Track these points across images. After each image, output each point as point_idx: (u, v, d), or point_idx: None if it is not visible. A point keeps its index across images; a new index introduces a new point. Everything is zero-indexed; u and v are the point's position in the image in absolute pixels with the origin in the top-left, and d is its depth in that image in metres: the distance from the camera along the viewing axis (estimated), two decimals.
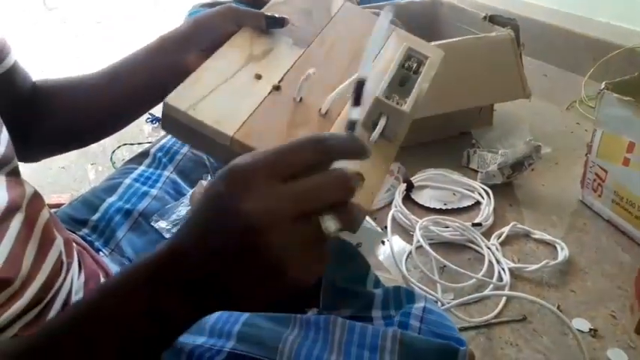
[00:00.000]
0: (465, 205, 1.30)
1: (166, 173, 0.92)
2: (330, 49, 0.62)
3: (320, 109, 0.53)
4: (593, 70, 1.90)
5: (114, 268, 0.83)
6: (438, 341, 0.49)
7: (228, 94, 0.49)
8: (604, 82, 1.17)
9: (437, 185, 1.36)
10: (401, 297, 0.58)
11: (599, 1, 2.10)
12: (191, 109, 0.46)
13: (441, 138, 1.56)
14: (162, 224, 0.83)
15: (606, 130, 1.18)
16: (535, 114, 1.75)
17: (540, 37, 2.16)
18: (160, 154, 0.95)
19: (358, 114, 0.37)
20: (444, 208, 1.28)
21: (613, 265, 1.13)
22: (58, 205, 1.37)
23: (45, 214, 0.62)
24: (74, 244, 0.70)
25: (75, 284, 0.64)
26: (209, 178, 0.86)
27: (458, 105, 1.47)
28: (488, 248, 1.14)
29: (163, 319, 0.35)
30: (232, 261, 0.32)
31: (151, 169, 0.93)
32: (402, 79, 0.59)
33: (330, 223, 0.33)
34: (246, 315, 0.56)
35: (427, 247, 1.08)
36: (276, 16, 0.61)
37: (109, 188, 0.91)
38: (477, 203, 1.31)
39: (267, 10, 0.63)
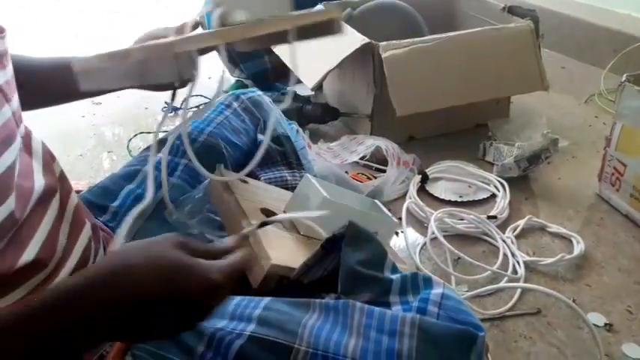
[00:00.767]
0: (481, 197, 1.29)
1: (184, 161, 0.93)
2: None
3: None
4: (614, 62, 1.87)
5: None
6: (456, 327, 0.49)
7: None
8: (625, 75, 1.16)
9: (452, 177, 1.36)
10: (419, 283, 0.58)
11: None
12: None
13: (457, 130, 1.56)
14: (178, 216, 0.83)
15: (626, 124, 1.16)
16: (553, 107, 1.73)
17: (559, 28, 2.13)
18: (177, 142, 0.95)
19: None
20: (459, 200, 1.28)
21: (630, 260, 1.11)
22: (76, 192, 1.39)
23: (74, 197, 0.65)
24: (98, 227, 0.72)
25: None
26: (222, 167, 0.86)
27: (475, 97, 1.46)
28: (503, 241, 1.13)
29: (84, 330, 0.40)
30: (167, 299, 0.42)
31: (169, 157, 0.94)
32: None
33: None
34: (266, 300, 0.57)
35: (442, 239, 1.08)
36: None
37: (128, 175, 0.92)
38: (493, 196, 1.30)
39: None
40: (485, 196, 1.30)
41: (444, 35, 1.41)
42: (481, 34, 1.45)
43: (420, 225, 1.20)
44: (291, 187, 1.00)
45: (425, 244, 1.12)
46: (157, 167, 0.92)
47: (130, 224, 0.77)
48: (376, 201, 0.91)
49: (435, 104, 1.41)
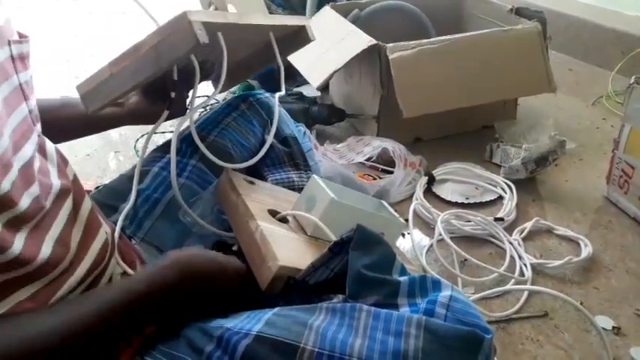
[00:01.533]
0: (488, 199, 1.29)
1: (192, 162, 0.93)
2: None
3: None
4: (621, 64, 1.86)
5: (146, 257, 0.84)
6: (463, 328, 0.49)
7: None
8: (634, 77, 1.15)
9: (459, 179, 1.35)
10: (427, 285, 0.57)
11: None
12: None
13: (464, 131, 1.55)
14: (190, 217, 0.84)
15: (635, 126, 1.16)
16: (560, 109, 1.73)
17: (567, 30, 2.12)
18: (184, 144, 0.95)
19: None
20: (465, 202, 1.28)
21: (638, 263, 1.11)
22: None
23: (88, 201, 0.67)
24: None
25: (117, 268, 0.70)
26: (229, 169, 0.87)
27: (482, 98, 1.46)
28: (510, 243, 1.13)
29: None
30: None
31: (177, 158, 0.94)
32: None
33: None
34: (276, 308, 0.57)
35: (448, 241, 1.08)
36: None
37: (139, 173, 0.92)
38: (500, 198, 1.30)
39: None
40: (492, 198, 1.29)
41: (451, 37, 1.40)
42: (488, 35, 1.45)
43: (427, 227, 1.20)
44: (298, 189, 0.99)
45: (431, 245, 1.12)
46: (165, 168, 0.93)
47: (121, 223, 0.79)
48: (383, 202, 0.91)
49: (442, 106, 1.40)
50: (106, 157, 1.55)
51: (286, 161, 1.03)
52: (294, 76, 1.64)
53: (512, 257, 1.10)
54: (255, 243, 0.67)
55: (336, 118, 1.54)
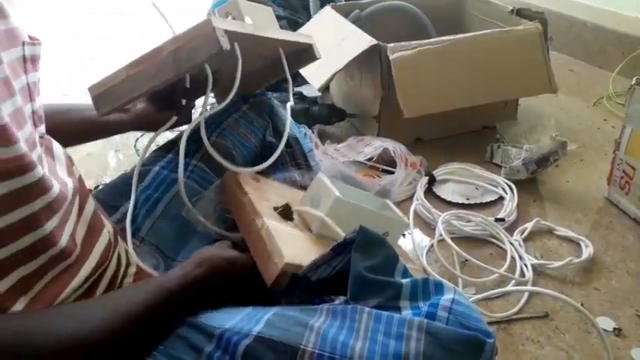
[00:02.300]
0: (488, 200, 1.29)
1: (193, 162, 0.92)
2: None
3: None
4: (622, 65, 1.86)
5: (145, 258, 0.84)
6: (465, 332, 0.48)
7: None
8: (635, 78, 1.15)
9: (460, 179, 1.35)
10: (430, 288, 0.57)
11: None
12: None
13: (465, 132, 1.55)
14: (193, 216, 0.84)
15: (636, 127, 1.15)
16: (561, 109, 1.72)
17: (568, 31, 2.12)
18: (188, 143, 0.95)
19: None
20: (466, 202, 1.27)
21: (639, 264, 1.11)
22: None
23: (91, 201, 0.68)
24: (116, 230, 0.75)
25: (121, 269, 0.71)
26: (233, 167, 0.86)
27: (483, 99, 1.46)
28: (511, 244, 1.13)
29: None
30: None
31: (178, 157, 0.94)
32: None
33: None
34: (276, 307, 0.57)
35: (449, 241, 1.08)
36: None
37: (139, 176, 0.92)
38: (500, 198, 1.29)
39: None
40: (492, 199, 1.29)
41: (452, 37, 1.40)
42: (489, 36, 1.45)
43: (427, 227, 1.20)
44: (300, 187, 1.00)
45: (432, 246, 1.11)
46: (166, 167, 0.93)
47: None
48: (387, 201, 0.91)
49: (443, 106, 1.40)
50: (106, 155, 1.54)
51: (288, 161, 1.03)
52: (295, 77, 1.63)
53: (512, 258, 1.10)
54: (261, 240, 0.67)
55: (337, 118, 1.54)
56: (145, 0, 2.87)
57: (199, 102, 0.99)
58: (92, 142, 1.58)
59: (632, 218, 1.22)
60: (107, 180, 1.36)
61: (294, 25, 1.80)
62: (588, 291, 1.04)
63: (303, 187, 1.00)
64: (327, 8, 1.65)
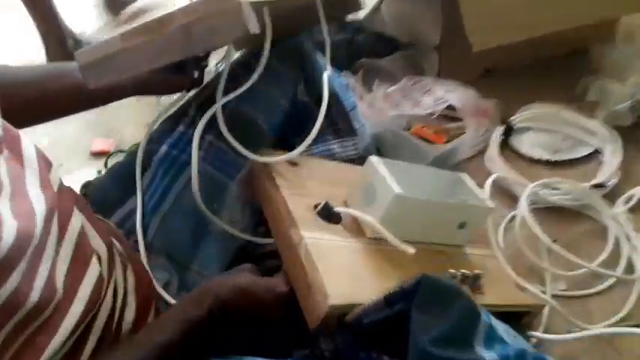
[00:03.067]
0: (581, 155, 1.02)
1: (208, 138, 0.72)
2: None
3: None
4: None
5: (155, 272, 0.69)
6: None
7: None
8: None
9: (543, 127, 1.08)
10: None
11: None
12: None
13: (548, 59, 1.24)
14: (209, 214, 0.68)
15: None
16: None
17: None
18: (192, 110, 0.75)
19: None
20: (552, 159, 1.02)
21: None
22: (103, 153, 1.23)
23: (77, 217, 0.52)
24: (114, 244, 0.60)
25: (117, 303, 0.56)
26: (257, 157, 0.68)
27: (570, 21, 1.13)
28: (614, 219, 0.89)
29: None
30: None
31: (190, 131, 0.74)
32: None
33: None
34: None
35: (530, 219, 0.83)
36: None
37: (143, 159, 0.74)
38: (596, 153, 1.02)
39: None
40: (586, 153, 1.03)
41: None
42: None
43: (504, 194, 0.96)
44: (342, 161, 0.80)
45: (512, 219, 0.89)
46: (175, 146, 0.73)
47: None
48: (462, 175, 0.71)
49: (521, 33, 1.10)
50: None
51: (324, 127, 0.80)
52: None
53: (616, 239, 0.87)
54: (299, 262, 0.56)
55: (387, 50, 1.28)
56: None
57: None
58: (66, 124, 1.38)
59: None
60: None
61: None
62: None
63: (346, 161, 0.80)
64: None
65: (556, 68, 1.22)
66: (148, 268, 0.66)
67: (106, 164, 1.17)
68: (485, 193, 0.75)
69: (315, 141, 0.77)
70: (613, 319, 0.76)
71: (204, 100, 0.74)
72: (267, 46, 0.66)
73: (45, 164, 0.50)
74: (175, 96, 0.79)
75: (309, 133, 0.76)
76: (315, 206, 0.63)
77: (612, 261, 0.84)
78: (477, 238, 0.72)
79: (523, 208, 0.83)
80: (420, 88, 1.08)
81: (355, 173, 0.65)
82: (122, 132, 1.30)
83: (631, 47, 1.17)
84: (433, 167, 0.73)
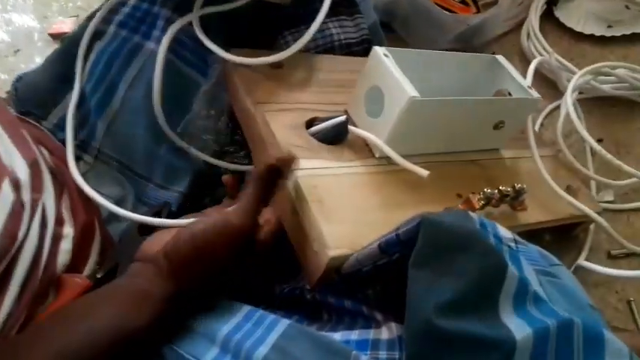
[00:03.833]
0: None
1: (165, 13, 0.55)
2: None
3: None
4: None
5: (104, 184, 0.56)
6: None
7: None
8: None
9: None
10: (574, 345, 0.32)
11: None
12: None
13: None
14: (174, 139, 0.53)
15: None
16: None
17: None
18: None
19: None
20: (606, 34, 0.82)
21: None
22: (59, 35, 1.02)
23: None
24: (42, 156, 0.46)
25: (48, 232, 0.43)
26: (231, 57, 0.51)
27: None
28: None
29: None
30: None
31: (145, 5, 0.56)
32: None
33: None
34: (278, 328, 0.35)
35: (574, 115, 0.67)
36: None
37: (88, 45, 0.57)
38: None
39: None
40: None
41: None
42: None
43: (542, 80, 0.78)
44: (338, 47, 0.62)
45: (551, 112, 0.73)
46: (126, 24, 0.56)
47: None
48: (498, 57, 0.55)
49: None
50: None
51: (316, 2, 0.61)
52: None
53: None
54: (288, 202, 0.43)
55: None
56: None
57: None
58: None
59: None
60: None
61: None
62: None
63: (344, 47, 0.62)
64: None
65: None
66: (85, 185, 0.50)
67: None
68: (527, 80, 0.58)
69: (305, 21, 0.59)
70: None
71: None
72: None
73: None
74: None
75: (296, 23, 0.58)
76: (307, 123, 0.48)
77: None
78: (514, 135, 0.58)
79: (568, 100, 0.66)
80: None
81: (358, 68, 0.49)
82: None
83: None
84: (456, 52, 0.56)
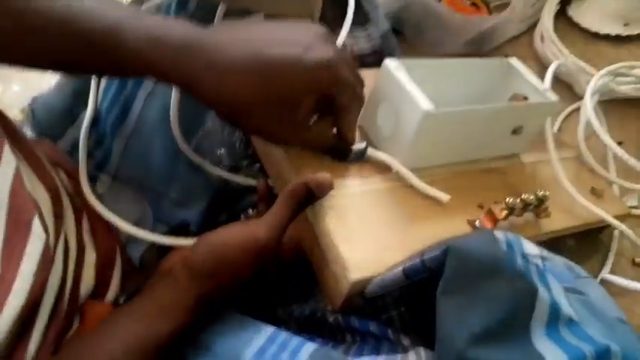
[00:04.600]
0: None
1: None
2: None
3: None
4: None
5: (122, 204, 0.56)
6: None
7: None
8: None
9: None
10: None
11: None
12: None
13: None
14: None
15: None
16: None
17: None
18: None
19: None
20: (622, 34, 0.81)
21: None
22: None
23: (9, 160, 0.36)
24: (59, 179, 0.45)
25: (71, 261, 0.41)
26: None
27: None
28: None
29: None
30: None
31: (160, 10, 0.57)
32: None
33: None
34: (304, 357, 0.34)
35: (594, 118, 0.66)
36: None
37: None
38: None
39: None
40: None
41: None
42: None
43: (557, 82, 0.77)
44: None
45: (569, 114, 0.72)
46: None
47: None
48: (511, 60, 0.54)
49: None
50: None
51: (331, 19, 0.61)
52: None
53: None
54: (306, 222, 0.42)
55: None
56: None
57: None
58: None
59: None
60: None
61: None
62: None
63: (360, 58, 0.62)
64: None
65: None
66: (102, 208, 0.50)
67: None
68: (545, 83, 0.57)
69: None
70: None
71: None
72: None
73: None
74: None
75: None
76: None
77: None
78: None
79: (588, 104, 0.65)
80: None
81: (371, 81, 0.48)
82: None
83: None
84: (469, 58, 0.55)
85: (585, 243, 0.61)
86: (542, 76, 0.58)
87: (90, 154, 0.56)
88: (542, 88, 0.54)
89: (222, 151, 0.58)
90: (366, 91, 0.49)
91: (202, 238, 0.39)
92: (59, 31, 0.37)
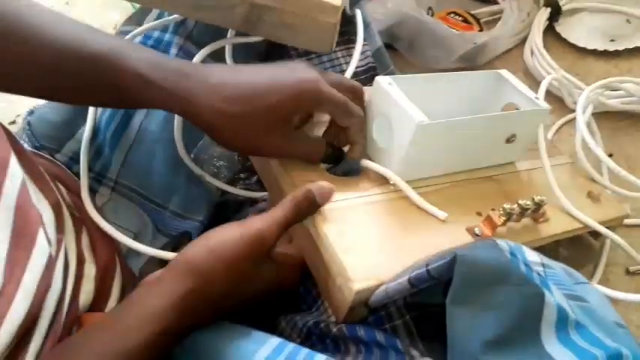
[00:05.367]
0: None
1: (177, 40, 0.56)
2: None
3: None
4: None
5: (122, 217, 0.55)
6: None
7: None
8: None
9: (599, 7, 0.88)
10: None
11: None
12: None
13: None
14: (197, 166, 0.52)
15: None
16: None
17: None
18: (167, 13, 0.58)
19: None
20: (609, 49, 0.83)
21: None
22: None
23: (16, 172, 0.36)
24: (59, 193, 0.45)
25: (71, 275, 0.41)
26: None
27: None
28: None
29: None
30: None
31: (156, 32, 0.58)
32: None
33: None
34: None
35: (586, 131, 0.67)
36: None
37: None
38: None
39: None
40: None
41: None
42: None
43: (547, 96, 0.79)
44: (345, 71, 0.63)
45: (561, 127, 0.73)
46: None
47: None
48: (503, 72, 0.55)
49: None
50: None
51: None
52: None
53: None
54: (306, 235, 0.42)
55: None
56: None
57: None
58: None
59: None
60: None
61: None
62: None
63: (355, 75, 0.62)
64: None
65: None
66: (102, 222, 0.50)
67: None
68: (540, 96, 0.59)
69: (317, 53, 0.60)
70: None
71: None
72: None
73: None
74: None
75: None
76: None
77: None
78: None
79: (579, 117, 0.66)
80: None
81: (365, 97, 0.49)
82: None
83: None
84: (460, 72, 0.56)
85: (579, 252, 0.62)
86: (533, 90, 0.60)
87: (88, 167, 0.56)
88: (532, 96, 0.55)
89: (221, 163, 0.59)
90: None
91: (199, 237, 0.40)
92: (60, 53, 0.39)
